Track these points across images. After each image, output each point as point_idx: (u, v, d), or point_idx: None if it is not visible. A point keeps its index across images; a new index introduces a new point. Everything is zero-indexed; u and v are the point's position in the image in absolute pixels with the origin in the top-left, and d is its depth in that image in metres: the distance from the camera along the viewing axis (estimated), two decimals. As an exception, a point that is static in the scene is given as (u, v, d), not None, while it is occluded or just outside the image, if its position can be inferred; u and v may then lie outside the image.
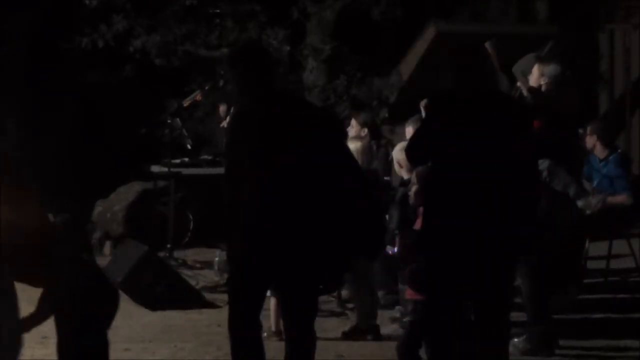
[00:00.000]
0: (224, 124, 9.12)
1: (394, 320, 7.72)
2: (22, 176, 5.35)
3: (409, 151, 5.76)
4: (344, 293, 8.44)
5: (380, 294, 8.08)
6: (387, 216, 7.36)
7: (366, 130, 8.72)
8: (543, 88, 7.05)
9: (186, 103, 10.43)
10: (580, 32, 13.45)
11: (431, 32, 12.56)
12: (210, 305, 8.78)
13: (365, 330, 7.56)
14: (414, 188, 6.37)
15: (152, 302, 8.61)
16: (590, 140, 9.09)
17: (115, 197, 11.69)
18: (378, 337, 7.50)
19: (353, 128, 8.76)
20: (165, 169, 10.82)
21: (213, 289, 9.31)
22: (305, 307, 5.17)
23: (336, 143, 5.31)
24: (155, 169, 11.33)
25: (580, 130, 8.92)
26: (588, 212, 7.74)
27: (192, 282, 9.33)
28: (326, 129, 5.26)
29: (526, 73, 7.35)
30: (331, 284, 5.41)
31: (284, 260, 5.08)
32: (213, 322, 8.16)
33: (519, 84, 7.42)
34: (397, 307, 7.86)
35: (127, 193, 11.70)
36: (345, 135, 5.46)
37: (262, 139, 5.15)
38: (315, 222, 5.06)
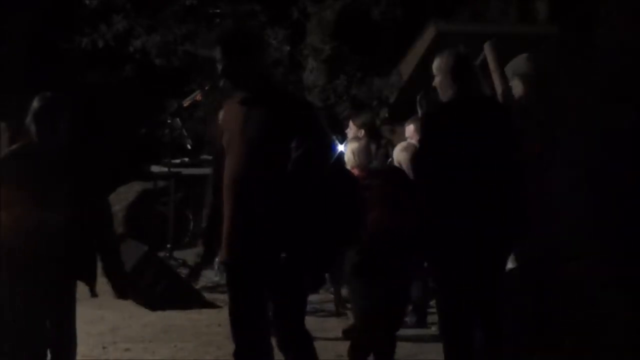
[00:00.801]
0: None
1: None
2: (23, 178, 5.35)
3: (417, 165, 5.68)
4: (344, 292, 8.44)
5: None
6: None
7: (363, 131, 8.72)
8: None
9: (186, 103, 10.42)
10: (580, 32, 13.44)
11: (431, 32, 12.56)
12: (210, 305, 8.79)
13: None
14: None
15: (152, 302, 8.62)
16: None
17: (115, 197, 11.68)
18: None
19: (351, 130, 8.76)
20: (165, 169, 10.83)
21: (213, 289, 9.31)
22: (293, 308, 5.09)
23: (313, 134, 5.04)
24: (155, 169, 11.33)
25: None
26: None
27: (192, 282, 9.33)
28: (303, 122, 5.01)
29: (517, 74, 7.29)
30: (315, 282, 5.33)
31: (269, 260, 5.01)
32: (213, 322, 8.17)
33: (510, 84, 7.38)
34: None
35: (127, 193, 11.70)
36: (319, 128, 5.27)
37: (241, 135, 5.06)
38: (299, 220, 4.97)
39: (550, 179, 5.86)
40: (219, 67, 5.11)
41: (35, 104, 5.43)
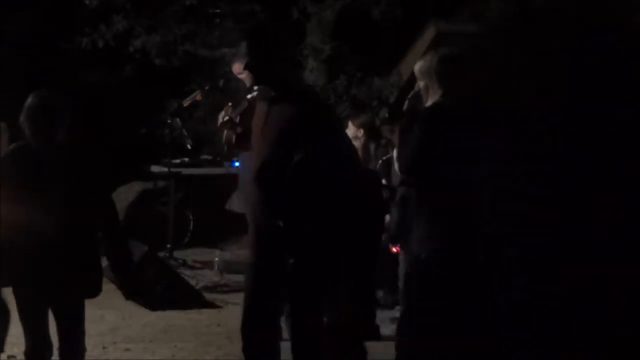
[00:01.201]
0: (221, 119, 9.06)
1: (393, 320, 7.72)
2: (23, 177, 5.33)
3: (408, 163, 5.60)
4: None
5: (380, 293, 8.08)
6: (387, 216, 7.36)
7: (362, 131, 8.73)
8: None
9: (186, 103, 10.42)
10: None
11: (431, 32, 12.56)
12: (210, 305, 8.79)
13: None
14: None
15: (152, 302, 8.62)
16: None
17: (115, 197, 11.67)
18: (378, 337, 7.50)
19: (350, 130, 8.76)
20: (165, 169, 10.83)
21: (213, 289, 9.32)
22: (302, 311, 5.10)
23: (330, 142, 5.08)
24: (155, 169, 11.33)
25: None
26: None
27: (192, 282, 9.34)
28: (320, 127, 5.03)
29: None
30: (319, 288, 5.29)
31: (277, 262, 5.02)
32: (213, 322, 8.17)
33: None
34: (397, 307, 7.87)
35: (127, 193, 11.71)
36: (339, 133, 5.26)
37: (261, 134, 5.06)
38: (300, 224, 4.96)
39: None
40: (245, 61, 5.09)
41: (29, 101, 5.33)
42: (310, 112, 5.01)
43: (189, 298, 8.83)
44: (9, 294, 5.54)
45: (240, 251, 10.71)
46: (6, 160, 5.38)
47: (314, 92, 5.31)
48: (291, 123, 4.93)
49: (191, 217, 11.29)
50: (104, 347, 7.37)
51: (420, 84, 5.50)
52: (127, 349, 7.40)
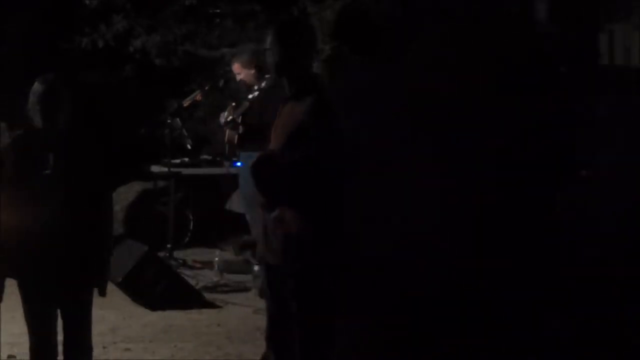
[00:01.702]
0: (222, 119, 9.07)
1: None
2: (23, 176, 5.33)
3: None
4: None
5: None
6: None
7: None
8: None
9: (186, 103, 10.42)
10: (580, 32, 13.42)
11: (431, 32, 12.55)
12: (210, 305, 8.79)
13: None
14: None
15: (152, 302, 8.62)
16: None
17: (115, 197, 11.68)
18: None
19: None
20: (165, 169, 10.83)
21: (213, 289, 9.32)
22: (306, 312, 5.09)
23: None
24: (155, 169, 11.34)
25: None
26: None
27: (192, 282, 9.34)
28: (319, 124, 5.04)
29: None
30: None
31: (279, 264, 5.02)
32: (213, 322, 8.17)
33: None
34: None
35: (127, 193, 11.70)
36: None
37: (275, 131, 5.07)
38: (315, 223, 4.97)
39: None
40: (269, 56, 5.09)
41: (37, 86, 5.30)
42: (317, 111, 5.02)
43: (189, 298, 8.83)
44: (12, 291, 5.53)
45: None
46: (14, 146, 5.33)
47: (325, 91, 5.29)
48: (299, 122, 4.94)
49: (191, 217, 11.29)
50: (104, 347, 7.37)
51: None
52: (127, 349, 7.40)
